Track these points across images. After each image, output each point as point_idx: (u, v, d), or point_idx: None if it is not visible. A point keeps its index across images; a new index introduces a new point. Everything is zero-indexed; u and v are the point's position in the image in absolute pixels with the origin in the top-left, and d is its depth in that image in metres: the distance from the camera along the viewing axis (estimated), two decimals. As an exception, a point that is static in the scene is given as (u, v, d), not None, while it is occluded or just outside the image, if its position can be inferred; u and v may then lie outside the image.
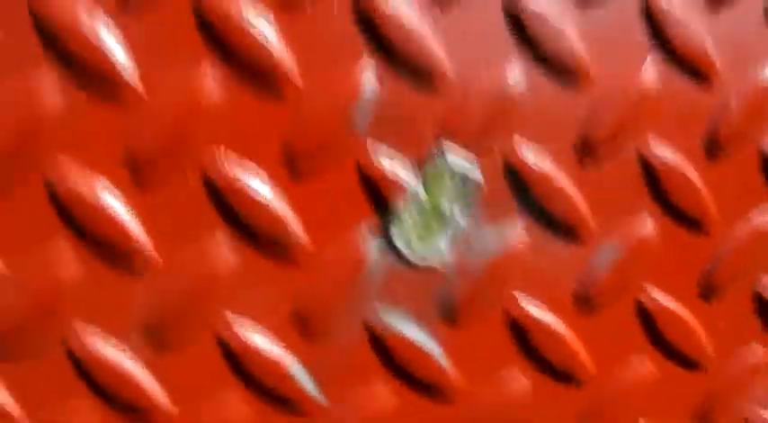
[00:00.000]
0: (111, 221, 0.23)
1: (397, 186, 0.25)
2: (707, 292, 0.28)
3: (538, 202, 0.26)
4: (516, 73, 0.25)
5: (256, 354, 0.25)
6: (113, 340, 0.24)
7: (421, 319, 0.26)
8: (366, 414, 0.26)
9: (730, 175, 0.27)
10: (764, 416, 0.29)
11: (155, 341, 0.24)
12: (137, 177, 0.23)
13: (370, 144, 0.25)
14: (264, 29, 0.23)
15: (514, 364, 0.27)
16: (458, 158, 0.25)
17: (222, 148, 0.24)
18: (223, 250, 0.24)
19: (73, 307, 0.24)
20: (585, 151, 0.26)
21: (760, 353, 0.29)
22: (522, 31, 0.25)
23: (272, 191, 0.24)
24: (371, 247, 0.25)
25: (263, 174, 0.24)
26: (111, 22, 0.22)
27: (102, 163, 0.23)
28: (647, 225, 0.27)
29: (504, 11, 0.25)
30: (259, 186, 0.24)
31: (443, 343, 0.26)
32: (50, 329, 0.24)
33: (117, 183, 0.23)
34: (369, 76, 0.24)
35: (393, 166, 0.25)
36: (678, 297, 0.28)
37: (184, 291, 0.24)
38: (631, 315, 0.28)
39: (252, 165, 0.24)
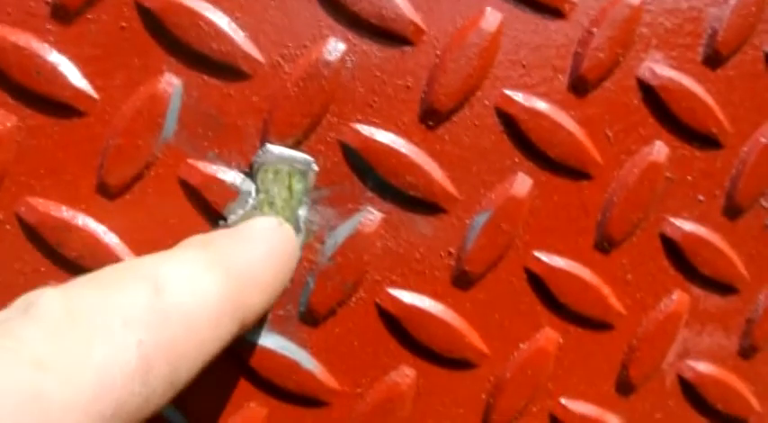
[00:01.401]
0: None
1: (226, 190, 0.26)
2: (604, 243, 0.28)
3: (387, 179, 0.26)
4: (334, 45, 0.25)
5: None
6: None
7: (282, 325, 0.26)
8: None
9: (607, 108, 0.29)
10: (696, 368, 0.29)
11: None
12: None
13: (187, 150, 0.25)
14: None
15: (400, 360, 0.28)
16: (285, 149, 0.25)
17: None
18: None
19: None
20: (432, 116, 0.26)
21: (678, 300, 0.29)
22: None
23: (88, 217, 0.27)
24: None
25: (81, 205, 0.27)
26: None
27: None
28: (522, 185, 0.27)
29: None
30: (80, 218, 0.27)
31: (311, 346, 0.27)
32: None
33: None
34: (171, 80, 0.25)
35: (216, 169, 0.25)
36: (572, 255, 0.28)
37: None
38: (521, 284, 0.28)
39: (67, 196, 0.27)
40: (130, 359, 0.19)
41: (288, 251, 0.25)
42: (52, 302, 0.20)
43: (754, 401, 0.32)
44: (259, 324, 0.28)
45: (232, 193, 0.27)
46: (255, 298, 0.23)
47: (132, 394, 0.19)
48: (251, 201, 0.27)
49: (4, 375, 0.17)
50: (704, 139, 0.30)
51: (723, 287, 0.31)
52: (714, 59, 0.30)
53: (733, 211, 0.31)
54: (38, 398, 0.17)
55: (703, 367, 0.31)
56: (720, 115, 0.30)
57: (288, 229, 0.26)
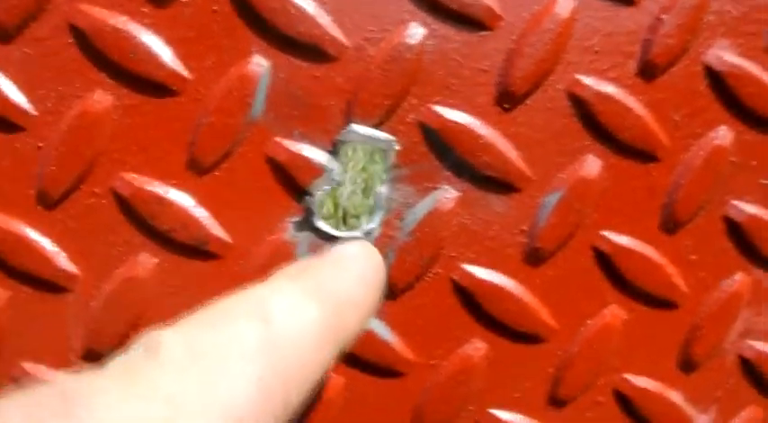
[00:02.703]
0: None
1: (311, 167, 0.29)
2: (670, 224, 0.30)
3: (464, 159, 0.29)
4: (415, 30, 0.28)
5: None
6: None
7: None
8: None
9: (674, 93, 0.30)
10: (757, 347, 0.31)
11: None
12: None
13: (274, 129, 0.27)
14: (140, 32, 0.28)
15: (472, 333, 0.30)
16: (368, 128, 0.28)
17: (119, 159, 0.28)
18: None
19: None
20: (507, 99, 0.28)
21: (740, 281, 0.31)
22: None
23: (180, 191, 0.29)
24: (296, 237, 0.28)
25: (173, 181, 0.29)
26: None
27: None
28: (592, 166, 0.29)
29: None
30: (172, 193, 0.29)
31: (389, 319, 0.30)
32: None
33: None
34: (260, 62, 0.27)
35: (302, 147, 0.27)
36: (638, 235, 0.30)
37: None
38: (589, 262, 0.30)
39: (159, 171, 0.29)
40: (252, 392, 0.21)
41: (377, 272, 0.27)
42: (173, 343, 0.21)
43: (813, 381, 0.34)
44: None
45: (317, 170, 0.30)
46: (353, 322, 0.25)
47: None
48: (335, 178, 0.29)
49: (141, 417, 0.19)
50: (769, 125, 0.32)
51: (784, 269, 0.33)
52: (780, 46, 0.32)
53: (796, 194, 0.33)
54: None
55: (763, 347, 0.33)
56: (786, 101, 0.32)
57: (373, 251, 0.28)
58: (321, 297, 0.24)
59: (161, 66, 0.29)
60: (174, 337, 0.22)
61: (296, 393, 0.23)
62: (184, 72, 0.29)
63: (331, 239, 0.30)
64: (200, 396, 0.20)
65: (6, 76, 0.29)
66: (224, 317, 0.23)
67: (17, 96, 0.29)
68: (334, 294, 0.25)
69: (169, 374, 0.21)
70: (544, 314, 0.31)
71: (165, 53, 0.29)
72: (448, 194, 0.30)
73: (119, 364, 0.21)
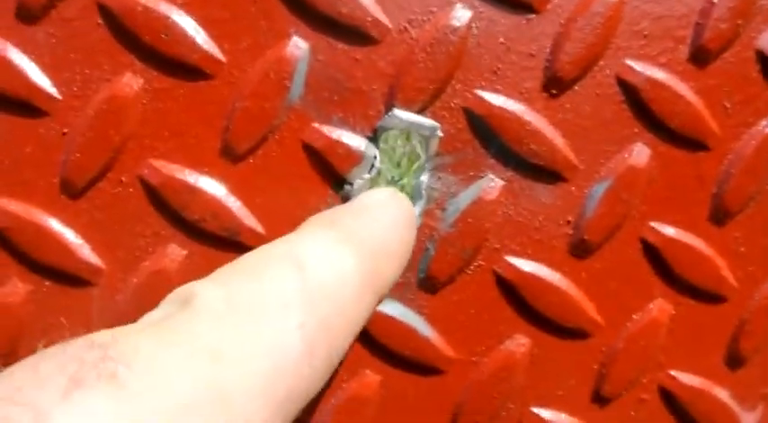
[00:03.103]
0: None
1: (350, 154, 0.27)
2: (719, 215, 0.29)
3: (509, 146, 0.28)
4: (461, 12, 0.27)
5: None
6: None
7: (400, 292, 0.28)
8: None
9: (726, 80, 0.30)
10: (806, 342, 0.31)
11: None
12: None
13: (312, 114, 0.26)
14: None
15: (515, 328, 0.29)
16: (411, 114, 0.27)
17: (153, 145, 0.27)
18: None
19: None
20: (555, 84, 0.27)
21: (790, 274, 0.30)
22: None
23: (211, 179, 0.28)
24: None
25: (204, 169, 0.28)
26: None
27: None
28: (641, 155, 0.29)
29: None
30: (203, 181, 0.28)
31: (428, 314, 0.29)
32: None
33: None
34: (299, 44, 0.26)
35: (341, 134, 0.26)
36: (687, 226, 0.29)
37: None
38: (636, 255, 0.29)
39: (190, 159, 0.28)
40: (296, 342, 0.21)
41: (408, 218, 0.26)
42: (211, 294, 0.21)
43: None
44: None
45: (356, 157, 0.28)
46: (388, 268, 0.25)
47: (302, 377, 0.21)
48: (375, 165, 0.28)
49: (183, 370, 0.18)
50: (821, 112, 0.31)
51: (835, 262, 0.32)
52: (834, 31, 0.31)
53: None
54: (219, 389, 0.19)
55: (812, 342, 0.33)
56: (839, 88, 0.31)
57: (403, 197, 0.27)
58: (355, 245, 0.24)
59: (194, 48, 0.27)
60: (213, 288, 0.21)
61: (339, 342, 0.22)
62: (219, 54, 0.28)
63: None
64: (243, 346, 0.20)
65: (30, 58, 0.27)
66: (259, 266, 0.22)
67: (41, 79, 0.28)
68: (367, 242, 0.24)
69: (209, 325, 0.20)
70: (589, 309, 0.30)
71: (198, 34, 0.28)
72: (492, 184, 0.29)
73: (156, 319, 0.21)
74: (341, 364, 0.28)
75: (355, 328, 0.23)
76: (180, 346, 0.19)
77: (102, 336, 0.19)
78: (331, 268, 0.23)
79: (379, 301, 0.25)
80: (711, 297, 0.31)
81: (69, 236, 0.28)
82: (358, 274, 0.23)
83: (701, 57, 0.30)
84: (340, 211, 0.26)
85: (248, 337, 0.20)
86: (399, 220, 0.26)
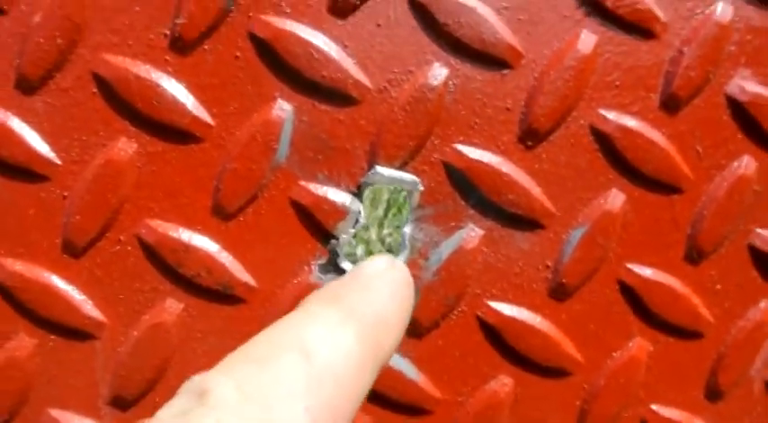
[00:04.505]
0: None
1: (336, 210, 0.30)
2: (694, 255, 0.32)
3: (488, 197, 0.31)
4: (438, 70, 0.30)
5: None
6: None
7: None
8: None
9: (697, 125, 0.32)
10: (783, 374, 0.33)
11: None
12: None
13: (299, 173, 0.30)
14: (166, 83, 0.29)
15: (499, 369, 0.31)
16: (393, 170, 0.29)
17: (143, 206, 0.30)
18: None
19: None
20: (530, 136, 0.30)
21: (765, 309, 0.33)
22: (435, 24, 0.30)
23: (204, 237, 0.31)
24: (322, 279, 0.29)
25: (198, 227, 0.31)
26: None
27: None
28: (616, 200, 0.31)
29: (410, 7, 0.30)
30: (197, 238, 0.31)
31: (415, 357, 0.32)
32: None
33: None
34: (284, 106, 0.28)
35: (326, 190, 0.29)
36: (663, 267, 0.31)
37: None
38: (614, 295, 0.31)
39: (184, 218, 0.31)
40: None
41: (406, 287, 0.28)
42: (222, 387, 0.23)
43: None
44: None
45: (341, 212, 0.31)
46: (389, 339, 0.27)
47: None
48: (360, 220, 0.31)
49: None
50: (792, 153, 0.34)
51: (810, 296, 0.35)
52: (802, 75, 0.33)
53: (819, 221, 0.34)
54: None
55: (789, 373, 0.35)
56: (808, 129, 0.33)
57: (401, 266, 0.29)
58: (356, 321, 0.26)
59: (184, 113, 0.30)
60: (222, 380, 0.23)
61: (344, 414, 0.24)
62: (208, 118, 0.30)
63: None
64: None
65: (31, 126, 0.30)
66: (266, 353, 0.24)
67: (41, 146, 0.30)
68: (368, 316, 0.26)
69: (223, 419, 0.22)
70: (570, 348, 0.33)
71: (188, 100, 0.30)
72: (473, 233, 0.32)
73: (170, 414, 0.23)
74: None
75: (359, 398, 0.25)
76: None
77: None
78: (335, 351, 0.25)
79: (381, 369, 0.27)
80: (689, 334, 0.34)
81: (72, 293, 0.31)
82: (360, 351, 0.25)
83: (672, 104, 0.32)
84: (340, 285, 0.28)
85: None
86: (397, 290, 0.28)
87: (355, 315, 0.26)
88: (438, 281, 0.32)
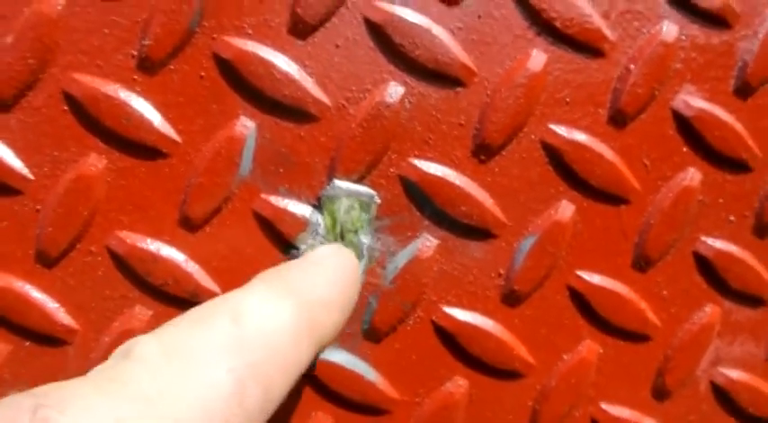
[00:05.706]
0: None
1: (296, 221, 0.33)
2: (641, 263, 0.34)
3: (443, 209, 0.34)
4: (394, 89, 0.33)
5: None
6: None
7: (347, 342, 0.33)
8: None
9: (644, 139, 0.35)
10: (728, 375, 0.36)
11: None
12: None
13: (261, 186, 0.33)
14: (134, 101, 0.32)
15: (454, 371, 0.34)
16: (351, 183, 0.32)
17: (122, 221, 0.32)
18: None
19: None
20: (483, 151, 0.32)
21: (711, 313, 0.35)
22: (391, 45, 0.33)
23: (172, 247, 0.33)
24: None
25: (165, 238, 0.33)
26: None
27: None
28: (566, 211, 0.34)
29: (367, 28, 0.33)
30: (165, 249, 0.33)
31: (374, 360, 0.35)
32: None
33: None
34: (247, 123, 0.31)
35: (288, 203, 0.32)
36: (611, 274, 0.34)
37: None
38: (565, 301, 0.34)
39: (152, 229, 0.33)
40: (225, 384, 0.24)
41: (350, 272, 0.31)
42: (148, 345, 0.25)
43: (782, 404, 0.39)
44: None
45: (302, 224, 0.34)
46: (327, 318, 0.28)
47: (233, 416, 0.24)
48: (320, 231, 0.34)
49: (115, 415, 0.22)
50: (735, 164, 0.36)
51: (753, 300, 0.38)
52: (744, 90, 0.36)
53: (762, 230, 0.37)
54: None
55: (735, 374, 0.38)
56: (750, 142, 0.36)
57: (348, 252, 0.32)
58: (294, 295, 0.27)
59: (152, 130, 0.33)
60: (151, 340, 0.25)
61: (275, 390, 0.26)
62: (174, 135, 0.33)
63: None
64: (172, 391, 0.23)
65: (5, 143, 0.32)
66: (199, 319, 0.26)
67: (15, 162, 0.33)
68: (305, 293, 0.28)
69: (143, 374, 0.23)
70: (522, 351, 0.36)
71: (155, 118, 0.33)
72: (428, 243, 0.34)
73: (97, 370, 0.24)
74: (294, 409, 0.33)
75: (293, 372, 0.27)
76: (114, 392, 0.22)
77: (44, 387, 0.23)
78: (268, 319, 0.26)
79: (321, 349, 0.29)
80: (637, 336, 0.37)
81: (46, 301, 0.34)
82: (294, 322, 0.27)
83: (619, 119, 0.35)
84: (287, 266, 0.30)
85: (179, 382, 0.23)
86: (341, 272, 0.30)
87: (294, 291, 0.27)
88: (395, 288, 0.34)
